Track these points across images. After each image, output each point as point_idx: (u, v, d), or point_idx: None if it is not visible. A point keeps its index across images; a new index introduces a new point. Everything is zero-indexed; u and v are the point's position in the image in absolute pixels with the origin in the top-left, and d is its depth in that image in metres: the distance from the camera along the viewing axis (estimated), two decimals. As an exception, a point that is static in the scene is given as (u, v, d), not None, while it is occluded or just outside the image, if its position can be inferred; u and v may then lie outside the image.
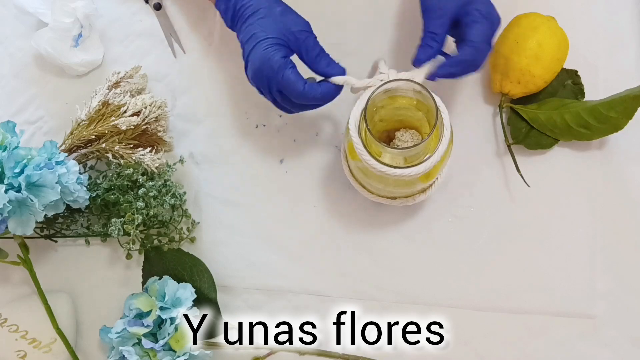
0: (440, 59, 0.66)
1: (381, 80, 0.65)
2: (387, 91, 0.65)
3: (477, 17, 0.66)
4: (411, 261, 0.74)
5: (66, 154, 0.70)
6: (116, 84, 0.75)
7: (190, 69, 0.80)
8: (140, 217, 0.70)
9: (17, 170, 0.64)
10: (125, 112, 0.72)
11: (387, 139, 0.69)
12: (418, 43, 0.67)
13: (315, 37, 0.67)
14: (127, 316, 0.68)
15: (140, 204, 0.70)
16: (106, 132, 0.72)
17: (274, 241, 0.75)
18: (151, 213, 0.71)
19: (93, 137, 0.72)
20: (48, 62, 0.79)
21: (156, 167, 0.73)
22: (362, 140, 0.63)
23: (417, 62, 0.66)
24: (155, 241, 0.73)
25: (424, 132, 0.68)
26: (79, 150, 0.74)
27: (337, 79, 0.66)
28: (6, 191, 0.63)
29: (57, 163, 0.67)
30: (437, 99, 0.63)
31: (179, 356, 0.66)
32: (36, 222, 0.66)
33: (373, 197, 0.72)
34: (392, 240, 0.74)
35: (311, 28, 0.67)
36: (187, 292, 0.68)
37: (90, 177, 0.73)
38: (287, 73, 0.65)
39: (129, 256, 0.73)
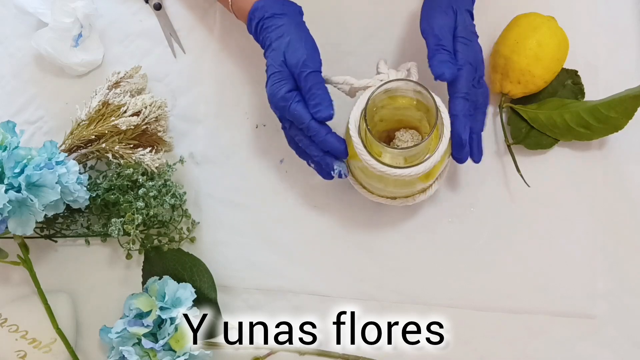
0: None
1: (381, 80, 0.65)
2: (387, 91, 0.65)
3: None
4: (411, 261, 0.74)
5: (66, 154, 0.70)
6: (116, 84, 0.75)
7: (190, 69, 0.80)
8: (140, 217, 0.70)
9: (17, 170, 0.64)
10: (125, 112, 0.72)
11: (387, 139, 0.69)
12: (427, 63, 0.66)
13: (314, 72, 0.65)
14: (127, 316, 0.68)
15: (140, 204, 0.70)
16: (106, 132, 0.72)
17: (274, 241, 0.75)
18: (151, 213, 0.71)
19: (93, 137, 0.72)
20: (48, 62, 0.79)
21: (156, 167, 0.73)
22: (362, 141, 0.63)
23: (443, 78, 0.65)
24: (155, 241, 0.73)
25: (424, 132, 0.68)
26: (79, 150, 0.74)
27: (336, 78, 0.66)
28: (6, 191, 0.63)
29: (57, 163, 0.67)
30: (437, 99, 0.63)
31: (179, 356, 0.66)
32: (36, 222, 0.66)
33: (373, 197, 0.72)
34: (392, 240, 0.74)
35: (315, 61, 0.66)
36: (187, 292, 0.68)
37: (90, 177, 0.73)
38: (292, 106, 0.65)
39: (129, 256, 0.73)
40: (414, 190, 0.70)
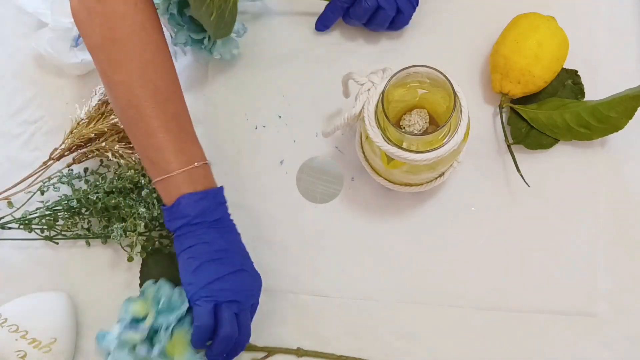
0: None
1: (373, 84, 0.65)
2: (399, 80, 0.64)
3: None
4: (411, 261, 0.73)
5: None
6: (116, 84, 0.75)
7: (190, 69, 0.80)
8: (142, 223, 0.70)
9: None
10: (125, 112, 0.72)
11: (397, 125, 0.69)
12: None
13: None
14: (123, 321, 0.66)
15: (142, 209, 0.70)
16: (106, 130, 0.72)
17: (274, 241, 0.75)
18: (153, 215, 0.70)
19: (93, 135, 0.72)
20: (48, 62, 0.79)
21: (156, 168, 0.72)
22: (382, 131, 0.63)
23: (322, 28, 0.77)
24: (157, 243, 0.73)
25: (434, 110, 0.68)
26: (78, 150, 0.74)
27: (359, 78, 0.66)
28: None
29: None
30: (454, 83, 0.63)
31: None
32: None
33: (390, 185, 0.72)
34: (393, 240, 0.74)
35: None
36: (182, 295, 0.67)
37: (87, 182, 0.73)
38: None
39: (130, 259, 0.73)
40: (434, 174, 0.70)
